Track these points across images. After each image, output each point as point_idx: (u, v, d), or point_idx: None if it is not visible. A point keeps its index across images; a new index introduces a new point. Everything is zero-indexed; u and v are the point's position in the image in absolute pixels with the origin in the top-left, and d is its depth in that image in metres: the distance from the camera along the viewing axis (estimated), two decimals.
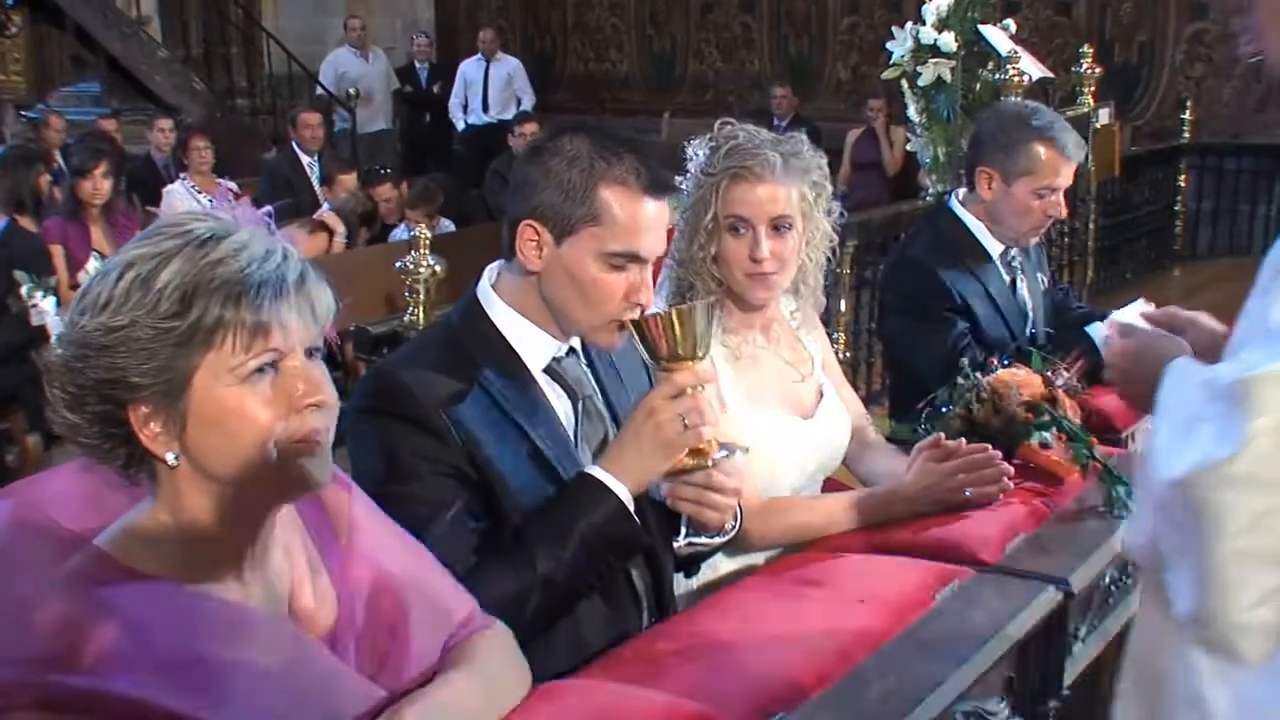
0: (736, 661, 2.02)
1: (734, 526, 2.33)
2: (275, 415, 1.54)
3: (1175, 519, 1.65)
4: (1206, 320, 2.22)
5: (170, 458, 1.54)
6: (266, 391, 1.54)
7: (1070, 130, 3.51)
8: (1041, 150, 3.43)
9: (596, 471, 2.14)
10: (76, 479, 1.66)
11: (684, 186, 2.72)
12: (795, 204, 2.68)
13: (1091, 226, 8.19)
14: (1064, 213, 3.52)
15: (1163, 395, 1.75)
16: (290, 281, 1.54)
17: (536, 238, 2.20)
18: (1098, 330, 3.48)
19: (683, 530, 2.26)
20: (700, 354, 2.13)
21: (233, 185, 8.77)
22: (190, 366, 1.51)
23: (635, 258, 2.18)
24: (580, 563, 2.11)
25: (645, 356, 2.19)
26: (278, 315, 1.53)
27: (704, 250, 2.70)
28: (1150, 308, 2.37)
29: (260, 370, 1.53)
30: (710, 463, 2.12)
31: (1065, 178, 3.47)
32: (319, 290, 1.58)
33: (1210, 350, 1.95)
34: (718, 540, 2.34)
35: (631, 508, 2.13)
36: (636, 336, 2.15)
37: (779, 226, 2.68)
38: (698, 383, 2.11)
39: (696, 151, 2.75)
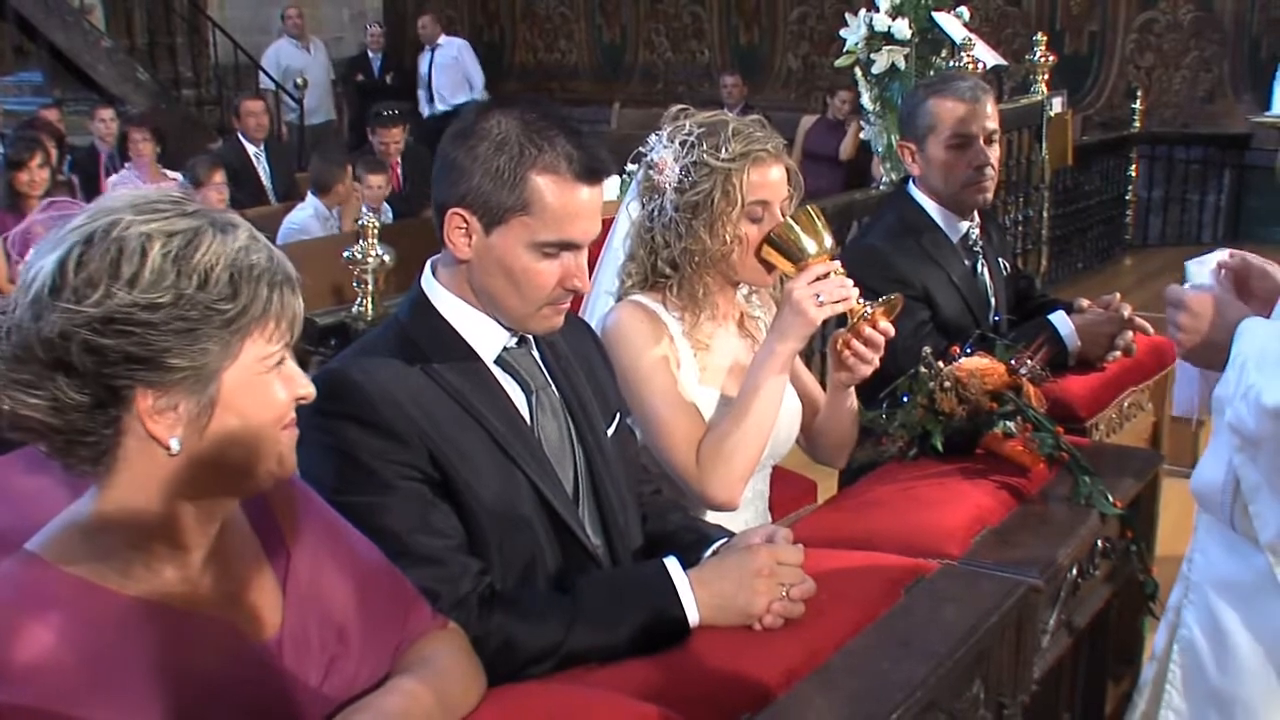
0: (701, 661, 1.96)
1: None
2: (285, 406, 1.56)
3: (1271, 448, 1.91)
4: (1275, 270, 2.26)
5: (175, 444, 1.48)
6: (280, 383, 1.55)
7: (964, 78, 3.56)
8: (933, 103, 3.48)
9: (680, 584, 2.05)
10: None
11: (664, 179, 2.63)
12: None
13: (1046, 216, 8.18)
14: (991, 160, 3.48)
15: (1243, 345, 1.99)
16: (295, 276, 1.56)
17: (465, 225, 2.11)
18: (1061, 318, 3.46)
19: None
20: (827, 246, 2.54)
21: (178, 176, 8.58)
22: (230, 352, 1.49)
23: (569, 245, 2.11)
24: (614, 651, 2.01)
25: (784, 271, 2.57)
26: (296, 307, 1.56)
27: (727, 245, 2.62)
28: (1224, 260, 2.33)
29: (279, 361, 1.55)
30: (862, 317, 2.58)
31: (970, 123, 3.44)
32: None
33: (1270, 302, 2.10)
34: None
35: (694, 621, 2.04)
36: (775, 253, 2.56)
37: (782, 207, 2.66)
38: (829, 270, 2.52)
39: (672, 140, 2.64)
